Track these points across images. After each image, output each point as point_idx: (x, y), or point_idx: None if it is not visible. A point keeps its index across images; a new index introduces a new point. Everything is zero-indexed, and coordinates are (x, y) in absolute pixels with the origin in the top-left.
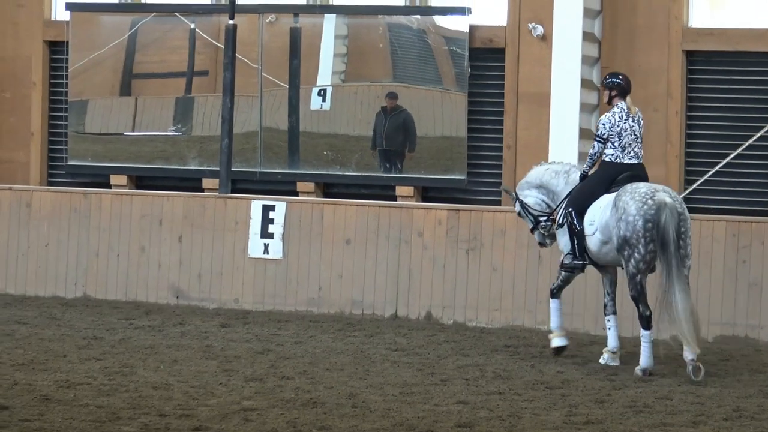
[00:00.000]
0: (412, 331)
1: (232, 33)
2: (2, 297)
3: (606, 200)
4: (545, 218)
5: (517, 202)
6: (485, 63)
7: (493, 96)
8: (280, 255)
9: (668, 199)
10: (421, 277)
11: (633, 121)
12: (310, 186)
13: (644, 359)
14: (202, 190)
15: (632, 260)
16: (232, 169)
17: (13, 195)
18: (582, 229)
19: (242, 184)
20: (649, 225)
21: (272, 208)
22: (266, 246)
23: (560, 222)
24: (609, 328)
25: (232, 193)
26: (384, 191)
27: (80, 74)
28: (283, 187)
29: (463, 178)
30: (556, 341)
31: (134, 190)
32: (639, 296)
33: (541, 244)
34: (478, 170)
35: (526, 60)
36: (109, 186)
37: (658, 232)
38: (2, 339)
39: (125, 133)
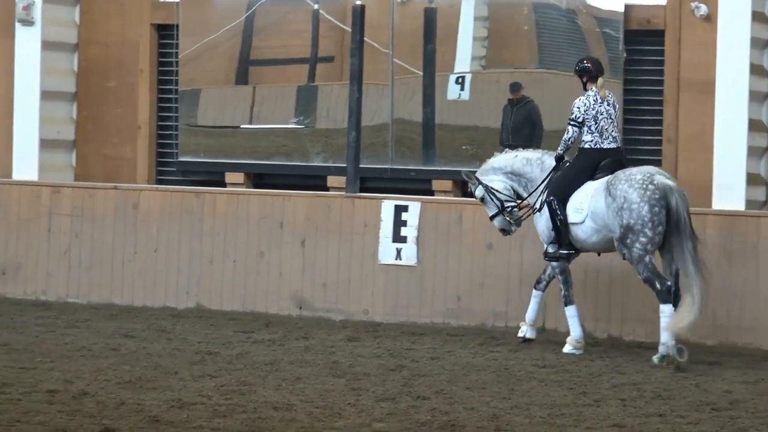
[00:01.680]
0: (561, 345)
1: (359, 14)
2: (107, 308)
3: (592, 187)
4: (513, 204)
5: (480, 186)
6: (642, 47)
7: (651, 83)
8: (414, 261)
9: (670, 182)
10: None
11: (608, 105)
12: (447, 184)
13: (663, 334)
14: (327, 189)
15: (638, 244)
16: (361, 165)
17: (118, 195)
18: (566, 218)
19: (371, 182)
20: (655, 209)
21: (405, 208)
22: (398, 251)
23: (538, 208)
24: (570, 317)
25: (360, 192)
26: None
27: (191, 61)
28: (417, 185)
29: None
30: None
31: (252, 189)
32: (652, 274)
33: (504, 231)
34: (635, 165)
35: (689, 43)
36: (223, 185)
37: (669, 216)
38: (108, 354)
39: (241, 126)
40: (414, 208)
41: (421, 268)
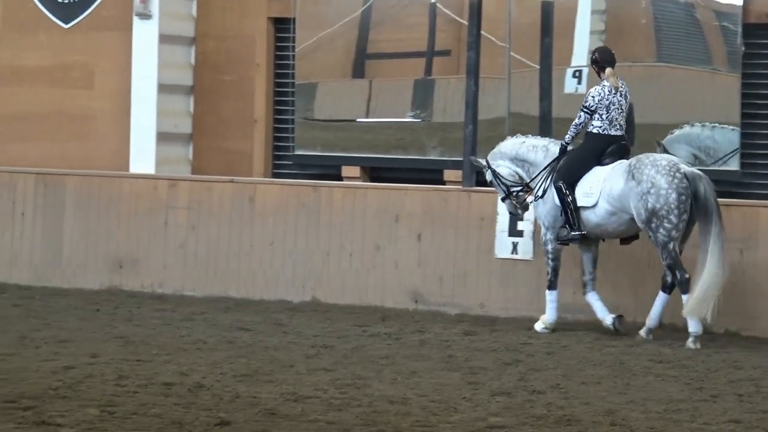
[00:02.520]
0: (678, 340)
1: (477, 8)
2: (223, 300)
3: (603, 172)
4: (519, 189)
5: (489, 171)
6: (761, 40)
7: None
8: (530, 255)
9: (695, 170)
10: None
11: (621, 96)
12: None
13: (693, 325)
14: (444, 183)
15: (662, 229)
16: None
17: (234, 188)
18: (575, 201)
19: None
20: (682, 198)
21: None
22: (515, 245)
23: (541, 194)
24: (594, 301)
25: (477, 186)
26: None
27: (308, 54)
28: None
29: (736, 169)
30: (607, 320)
31: (368, 183)
32: (675, 263)
33: (513, 214)
34: (754, 161)
35: None
36: (340, 178)
37: (698, 203)
38: (224, 347)
39: (358, 120)
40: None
41: (537, 263)
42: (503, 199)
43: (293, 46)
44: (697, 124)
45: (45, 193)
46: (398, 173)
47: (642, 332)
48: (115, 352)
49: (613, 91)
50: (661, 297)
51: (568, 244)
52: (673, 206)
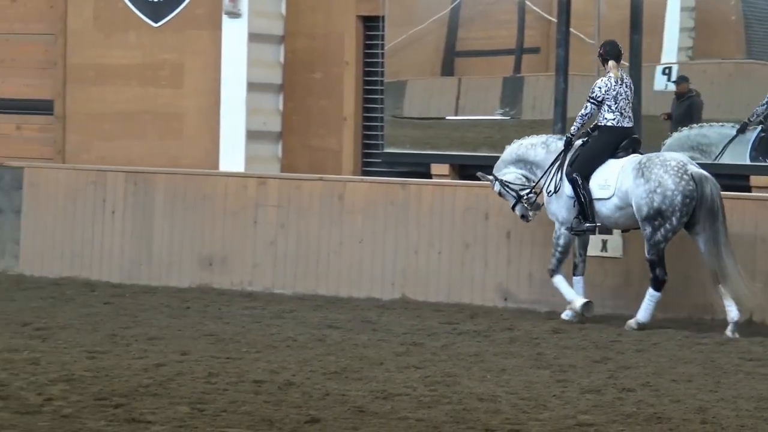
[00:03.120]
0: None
1: (566, 5)
2: (313, 298)
3: (618, 165)
4: (528, 191)
5: (497, 183)
6: None
7: None
8: (619, 253)
9: (703, 171)
10: None
11: (626, 87)
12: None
13: (644, 313)
14: None
15: (662, 229)
16: None
17: (324, 186)
18: (590, 193)
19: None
20: (687, 200)
21: None
22: (604, 243)
23: (554, 189)
24: (561, 286)
25: None
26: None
27: (397, 52)
28: None
29: None
30: (577, 304)
31: (458, 181)
32: (659, 261)
33: (524, 218)
34: None
35: None
36: (429, 176)
37: (704, 203)
38: (313, 344)
39: (447, 118)
40: None
41: (626, 260)
42: (514, 206)
43: (382, 44)
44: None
45: (135, 191)
46: (488, 171)
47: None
48: (205, 349)
49: (619, 82)
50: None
51: (581, 235)
52: (677, 208)
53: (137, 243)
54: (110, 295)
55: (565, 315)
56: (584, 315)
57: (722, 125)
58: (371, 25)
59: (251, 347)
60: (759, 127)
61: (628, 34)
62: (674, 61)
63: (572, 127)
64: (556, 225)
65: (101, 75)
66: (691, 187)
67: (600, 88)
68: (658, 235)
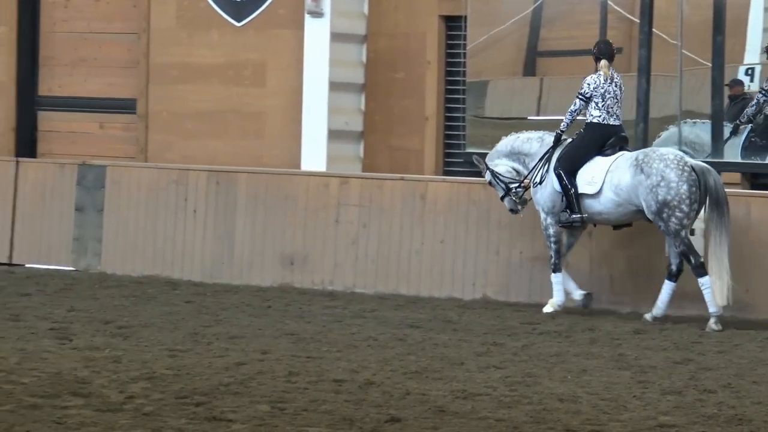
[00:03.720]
0: None
1: (648, 6)
2: (394, 298)
3: (606, 162)
4: (516, 185)
5: (488, 171)
6: None
7: None
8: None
9: (702, 163)
10: None
11: (615, 86)
12: (736, 176)
13: (711, 305)
14: None
15: (674, 218)
16: None
17: (405, 186)
18: (576, 188)
19: None
20: (693, 189)
21: None
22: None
23: (539, 181)
24: (556, 283)
25: None
26: None
27: (479, 52)
28: None
29: None
30: (546, 308)
31: None
32: (688, 249)
33: (513, 211)
34: None
35: None
36: None
37: (709, 194)
38: (394, 344)
39: (529, 117)
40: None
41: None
42: (502, 198)
43: (464, 44)
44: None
45: (217, 190)
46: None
47: (647, 316)
48: (285, 348)
49: (609, 80)
50: (667, 285)
51: (569, 227)
52: (684, 196)
53: (219, 242)
54: (192, 293)
55: (547, 309)
56: (586, 307)
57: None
58: (453, 25)
59: (332, 346)
60: (749, 127)
61: (711, 35)
62: (757, 62)
63: (562, 123)
64: (542, 215)
65: (184, 74)
66: (693, 178)
67: (589, 84)
68: (673, 225)
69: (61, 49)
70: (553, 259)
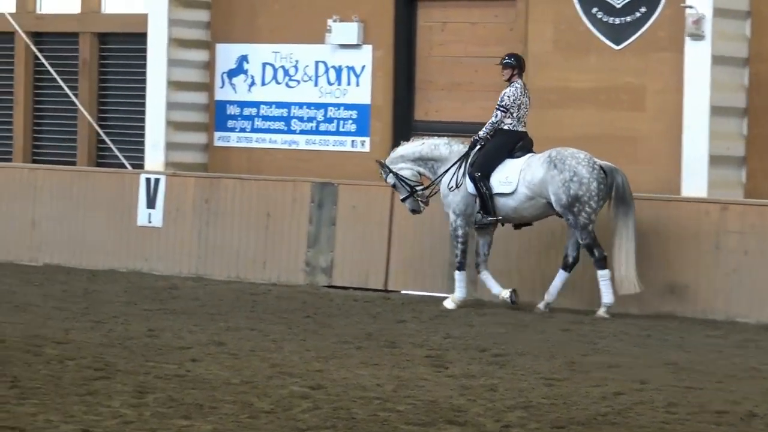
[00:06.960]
0: None
1: None
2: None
3: (518, 163)
4: (422, 187)
5: (391, 174)
6: None
7: None
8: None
9: (610, 164)
10: None
11: (527, 97)
12: None
13: (607, 296)
14: None
15: (584, 213)
16: None
17: None
18: (491, 189)
19: None
20: (601, 186)
21: None
22: None
23: (455, 185)
24: (487, 279)
25: None
26: None
27: None
28: None
29: None
30: (447, 302)
31: None
32: (593, 242)
33: (414, 211)
34: None
35: None
36: None
37: (616, 191)
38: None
39: None
40: None
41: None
42: (404, 199)
43: None
44: None
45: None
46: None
47: (540, 305)
48: (664, 378)
49: (523, 92)
50: (561, 275)
51: (483, 228)
52: (593, 193)
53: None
54: (568, 321)
55: (448, 304)
56: (515, 302)
57: None
58: None
59: (712, 377)
60: None
61: None
62: None
63: (481, 131)
64: (452, 217)
65: (561, 98)
66: (602, 176)
67: (509, 96)
68: (582, 219)
69: (438, 73)
70: (458, 258)
